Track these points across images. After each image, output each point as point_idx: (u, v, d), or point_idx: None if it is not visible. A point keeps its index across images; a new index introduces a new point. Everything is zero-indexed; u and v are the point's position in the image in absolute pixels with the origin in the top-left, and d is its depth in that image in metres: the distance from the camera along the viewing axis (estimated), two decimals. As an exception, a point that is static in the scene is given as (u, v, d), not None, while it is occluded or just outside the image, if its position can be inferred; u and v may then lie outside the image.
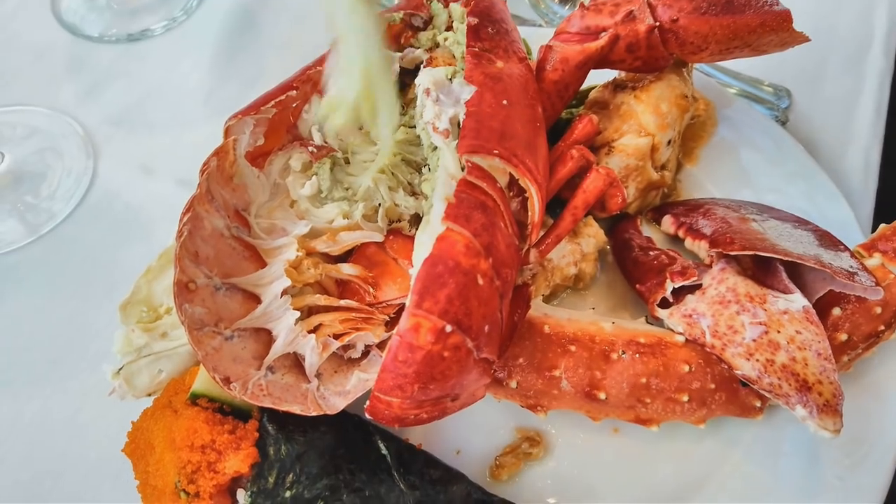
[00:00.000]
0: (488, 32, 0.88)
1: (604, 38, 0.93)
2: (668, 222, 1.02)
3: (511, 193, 0.80)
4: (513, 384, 0.84)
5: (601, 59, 0.96)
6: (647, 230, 1.04)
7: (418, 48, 1.00)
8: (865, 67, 1.28)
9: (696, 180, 1.10)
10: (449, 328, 0.65)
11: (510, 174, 0.78)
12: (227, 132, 0.84)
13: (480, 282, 0.68)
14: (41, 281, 1.05)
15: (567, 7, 1.33)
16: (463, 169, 0.77)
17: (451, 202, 0.70)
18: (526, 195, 0.78)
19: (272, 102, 0.85)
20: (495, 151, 0.75)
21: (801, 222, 0.94)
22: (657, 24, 0.93)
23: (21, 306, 1.03)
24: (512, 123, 0.80)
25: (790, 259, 0.81)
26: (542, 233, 0.90)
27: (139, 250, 1.06)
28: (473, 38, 0.87)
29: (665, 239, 1.03)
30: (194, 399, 0.76)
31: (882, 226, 0.90)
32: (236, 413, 0.76)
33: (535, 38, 1.17)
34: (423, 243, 0.71)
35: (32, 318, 1.01)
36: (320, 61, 0.91)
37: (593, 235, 0.98)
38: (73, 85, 1.26)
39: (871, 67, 1.28)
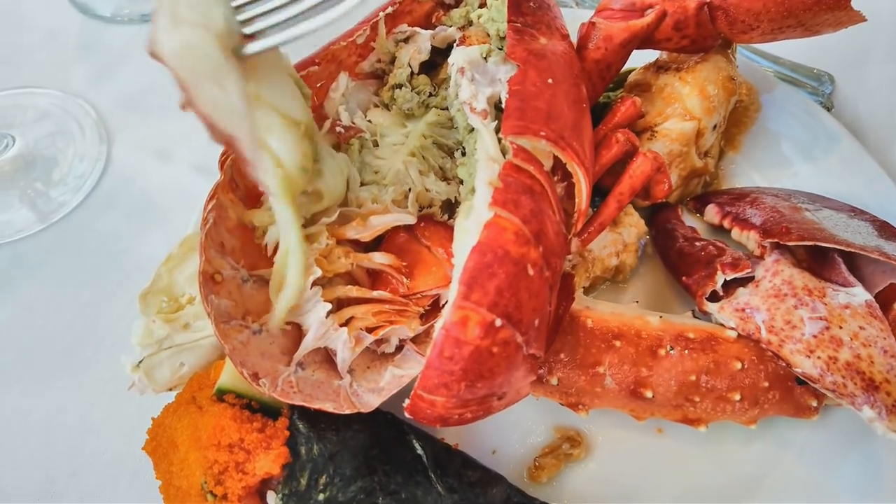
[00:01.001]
0: (530, 7, 0.83)
1: (650, 15, 0.88)
2: (712, 212, 0.97)
3: (556, 178, 0.75)
4: (554, 381, 0.80)
5: (646, 38, 0.91)
6: (688, 220, 0.99)
7: (450, 26, 0.95)
8: (911, 53, 1.23)
9: (739, 168, 1.05)
10: (499, 322, 0.60)
11: (555, 157, 0.73)
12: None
13: (531, 272, 0.63)
14: (53, 269, 1.00)
15: (597, -12, 1.28)
16: (504, 152, 0.72)
17: (498, 186, 0.65)
18: (571, 180, 0.73)
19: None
20: (542, 133, 0.70)
21: (856, 212, 0.89)
22: (707, 0, 0.88)
23: (33, 295, 0.98)
24: (558, 103, 0.75)
25: (851, 250, 0.77)
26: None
27: (154, 238, 1.02)
28: (515, 13, 0.82)
29: (708, 229, 0.98)
30: (220, 395, 0.71)
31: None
32: (265, 410, 0.71)
33: (569, 20, 1.12)
34: (468, 230, 0.66)
35: (44, 309, 0.97)
36: (345, 36, 0.87)
37: (634, 225, 0.93)
38: (86, 67, 1.22)
39: (916, 54, 1.23)
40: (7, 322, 0.96)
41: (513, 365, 0.63)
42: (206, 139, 1.12)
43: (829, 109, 1.13)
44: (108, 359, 0.83)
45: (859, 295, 0.77)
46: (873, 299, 0.77)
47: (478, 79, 0.83)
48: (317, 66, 0.83)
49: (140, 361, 0.76)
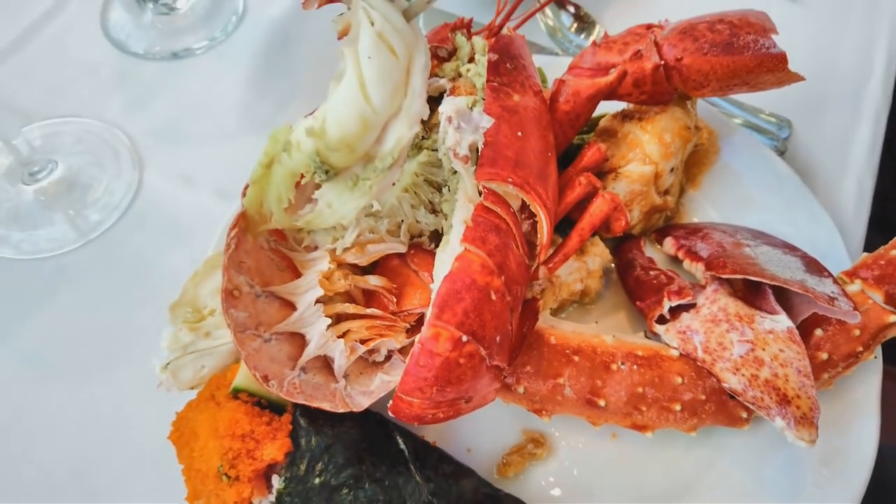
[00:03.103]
0: (506, 68, 0.97)
1: (613, 74, 1.02)
2: (669, 244, 1.10)
3: (523, 216, 0.88)
4: (520, 389, 0.93)
5: (610, 93, 1.04)
6: (650, 250, 1.12)
7: (443, 77, 1.08)
8: (863, 101, 1.36)
9: (697, 204, 1.18)
10: (465, 338, 0.74)
11: (522, 199, 0.87)
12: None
13: (493, 297, 0.76)
14: (91, 281, 1.14)
15: (583, 36, 1.42)
16: (480, 193, 0.86)
17: (469, 225, 0.78)
18: (536, 218, 0.87)
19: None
20: (510, 179, 0.84)
21: (790, 249, 1.02)
22: (662, 62, 1.01)
23: (73, 303, 1.12)
24: (525, 153, 0.88)
25: (776, 283, 0.89)
26: (551, 251, 0.99)
27: (180, 256, 1.16)
28: (493, 73, 0.96)
29: (667, 259, 1.12)
30: (235, 393, 0.85)
31: (864, 255, 0.98)
32: (272, 407, 0.85)
33: (552, 66, 1.26)
34: (444, 262, 0.80)
35: (83, 315, 1.11)
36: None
37: (599, 255, 1.07)
38: (120, 99, 1.36)
39: (868, 101, 1.35)
40: (51, 325, 1.10)
41: (478, 374, 0.76)
42: (228, 167, 1.26)
43: (782, 153, 1.26)
44: (139, 360, 0.96)
45: (782, 322, 0.90)
46: (794, 326, 0.89)
47: (463, 127, 0.96)
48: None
49: (168, 363, 0.90)
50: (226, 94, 1.37)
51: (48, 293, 1.13)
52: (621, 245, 1.13)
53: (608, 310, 1.09)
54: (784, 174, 1.16)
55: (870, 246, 1.22)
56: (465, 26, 1.14)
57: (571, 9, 1.43)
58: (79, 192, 1.23)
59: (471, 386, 0.77)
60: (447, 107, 0.99)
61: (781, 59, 1.00)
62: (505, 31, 1.10)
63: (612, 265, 1.12)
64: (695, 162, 1.20)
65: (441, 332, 0.73)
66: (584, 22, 1.42)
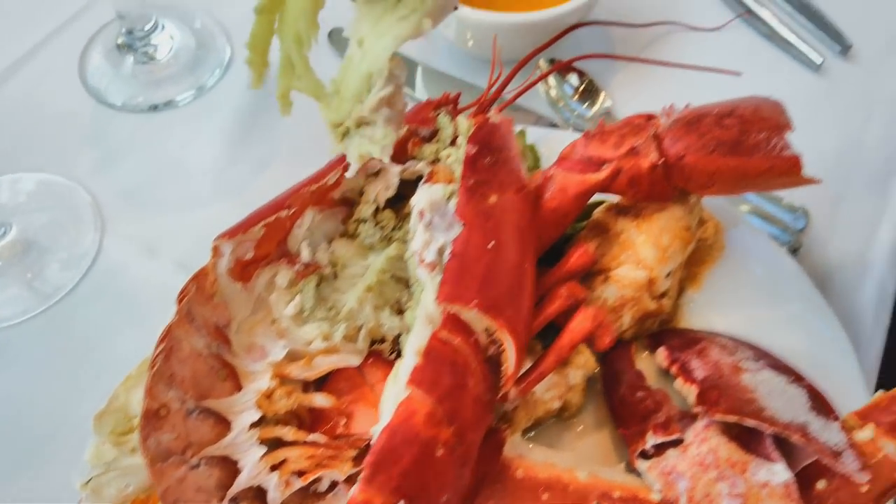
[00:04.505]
0: (485, 163, 0.88)
1: (605, 171, 0.92)
2: (662, 355, 0.99)
3: (489, 339, 0.78)
4: (481, 528, 0.82)
5: (603, 189, 0.94)
6: (642, 360, 1.01)
7: (421, 160, 0.99)
8: (890, 191, 1.24)
9: (698, 307, 1.07)
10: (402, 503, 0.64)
11: (489, 322, 0.77)
12: (214, 251, 0.84)
13: (440, 452, 0.66)
14: (31, 362, 1.06)
15: (586, 105, 1.32)
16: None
17: (419, 364, 0.69)
18: (502, 347, 0.77)
19: (261, 224, 0.85)
20: (474, 302, 0.74)
21: (796, 378, 0.91)
22: (662, 160, 0.91)
23: (6, 387, 1.04)
24: (496, 268, 0.78)
25: (774, 430, 0.78)
26: (528, 364, 0.89)
27: (131, 338, 1.06)
28: (469, 171, 0.86)
29: (658, 370, 1.01)
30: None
31: (879, 393, 0.86)
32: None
33: (548, 140, 1.16)
34: (388, 400, 0.70)
35: (16, 401, 1.02)
36: (316, 178, 0.91)
37: (582, 366, 0.96)
38: (90, 154, 1.29)
39: (894, 193, 1.24)
40: (-20, 412, 1.02)
41: (418, 541, 0.66)
42: (193, 235, 1.16)
43: (797, 250, 1.15)
44: (69, 460, 0.87)
45: (780, 473, 0.78)
46: (793, 478, 0.78)
47: (436, 223, 0.87)
48: (287, 210, 0.87)
49: (89, 480, 0.81)
50: (201, 153, 1.29)
51: (-20, 374, 1.06)
52: (610, 351, 1.02)
53: (590, 426, 0.98)
54: (795, 277, 1.05)
55: (888, 360, 1.10)
56: (451, 102, 1.06)
57: (575, 75, 1.33)
58: (31, 260, 1.15)
59: (410, 549, 0.67)
60: (421, 197, 0.90)
61: (795, 163, 0.89)
62: (492, 112, 1.01)
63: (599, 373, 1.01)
64: (697, 259, 1.09)
65: (373, 500, 0.63)
66: (588, 89, 1.33)
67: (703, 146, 0.90)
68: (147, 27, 1.34)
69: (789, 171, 0.90)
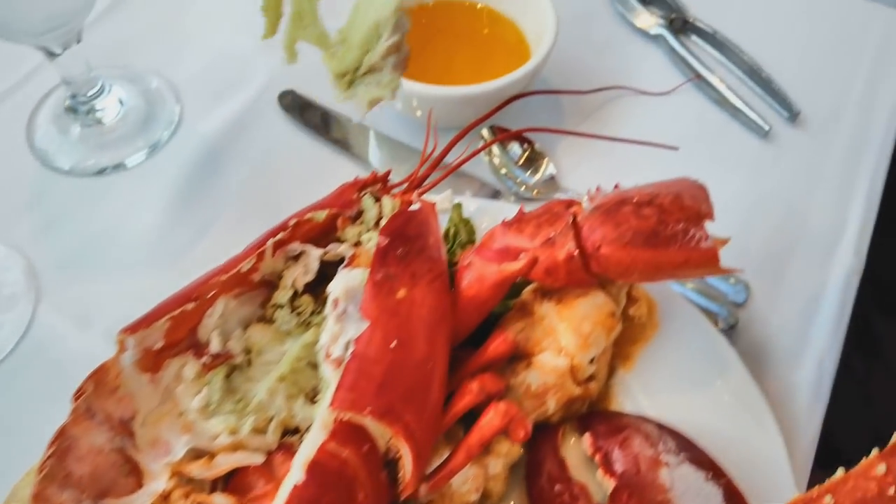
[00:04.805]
0: (396, 255, 0.87)
1: (521, 262, 0.91)
2: (587, 442, 0.97)
3: (387, 445, 0.77)
4: None
5: (522, 277, 0.93)
6: (570, 445, 0.99)
7: (344, 242, 0.98)
8: (833, 264, 1.23)
9: (628, 389, 1.05)
10: None
11: (390, 423, 0.76)
12: (119, 345, 0.83)
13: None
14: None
15: (529, 172, 1.31)
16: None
17: (301, 482, 0.67)
18: (398, 454, 0.75)
19: (166, 317, 0.84)
20: (368, 409, 0.73)
21: (715, 474, 0.89)
22: (577, 251, 0.90)
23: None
24: (397, 370, 0.77)
25: (681, 539, 0.77)
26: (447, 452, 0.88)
27: (56, 417, 1.05)
28: (379, 263, 0.85)
29: (585, 455, 0.99)
30: None
31: (795, 496, 0.84)
32: None
33: (487, 212, 1.15)
34: (274, 514, 0.69)
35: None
36: (228, 267, 0.90)
37: (504, 455, 0.94)
38: (31, 220, 1.28)
39: (838, 265, 1.22)
40: None
41: None
42: (128, 305, 1.14)
43: (733, 326, 1.14)
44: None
45: (686, 583, 0.77)
46: (700, 589, 0.76)
47: (349, 313, 0.86)
48: (193, 303, 0.86)
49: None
50: (143, 219, 1.29)
51: None
52: (535, 436, 1.00)
53: (514, 512, 0.97)
54: (728, 360, 1.03)
55: (826, 441, 1.09)
56: (379, 181, 1.05)
57: (518, 142, 1.33)
58: (-40, 333, 1.14)
59: None
60: (337, 284, 0.89)
61: (711, 257, 0.88)
62: (415, 195, 1.01)
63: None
64: (630, 337, 1.08)
65: None
66: (531, 157, 1.32)
67: (619, 237, 0.89)
68: (91, 92, 1.34)
69: (705, 263, 0.89)
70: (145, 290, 0.99)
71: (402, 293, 0.84)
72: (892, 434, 0.73)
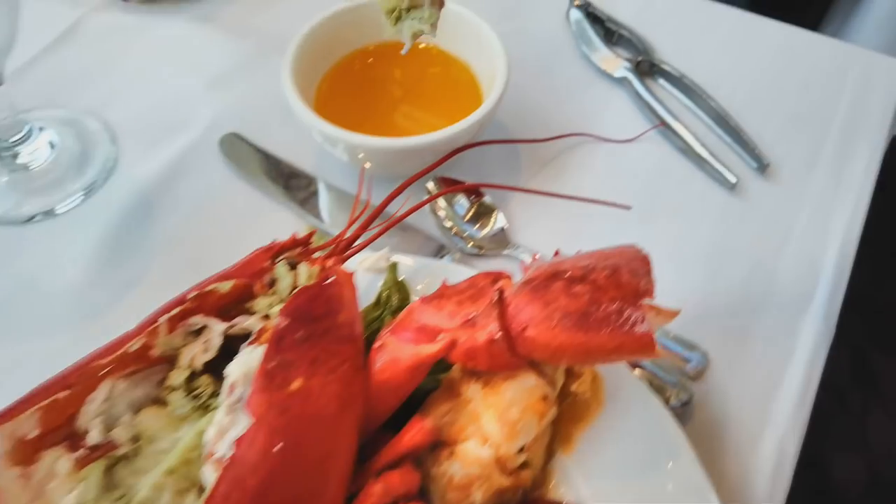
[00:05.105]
0: (295, 339, 0.78)
1: (439, 344, 0.82)
2: (516, 538, 0.89)
3: (270, 560, 0.69)
4: None
5: (442, 359, 0.85)
6: (499, 536, 0.91)
7: (254, 313, 0.90)
8: (798, 332, 1.14)
9: (568, 474, 0.96)
10: None
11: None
12: (-16, 439, 0.75)
13: None
14: None
15: (477, 226, 1.23)
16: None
17: None
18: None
19: (34, 408, 0.76)
20: (237, 530, 0.65)
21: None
22: (500, 332, 0.81)
23: None
24: (277, 481, 0.69)
25: None
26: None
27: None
28: (273, 350, 0.77)
29: (518, 551, 0.90)
30: None
31: None
32: None
33: (424, 272, 1.07)
34: None
35: None
36: (112, 348, 0.82)
37: (421, 553, 0.86)
38: (-49, 275, 1.21)
39: (806, 332, 1.13)
40: None
41: None
42: (36, 369, 1.06)
43: (686, 403, 1.05)
44: None
45: None
46: None
47: (243, 400, 0.78)
48: (68, 391, 0.78)
49: None
50: (62, 273, 1.21)
51: None
52: (462, 529, 0.92)
53: None
54: (677, 446, 0.94)
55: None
56: (299, 244, 0.97)
57: (467, 195, 1.25)
58: None
59: None
60: (237, 366, 0.81)
61: (646, 343, 0.79)
62: (331, 262, 0.93)
63: (449, 553, 0.91)
64: (572, 417, 0.99)
65: None
66: (480, 210, 1.24)
67: (546, 318, 0.81)
68: (16, 137, 1.27)
69: (641, 350, 0.80)
70: (57, 354, 0.91)
71: (296, 384, 0.75)
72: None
